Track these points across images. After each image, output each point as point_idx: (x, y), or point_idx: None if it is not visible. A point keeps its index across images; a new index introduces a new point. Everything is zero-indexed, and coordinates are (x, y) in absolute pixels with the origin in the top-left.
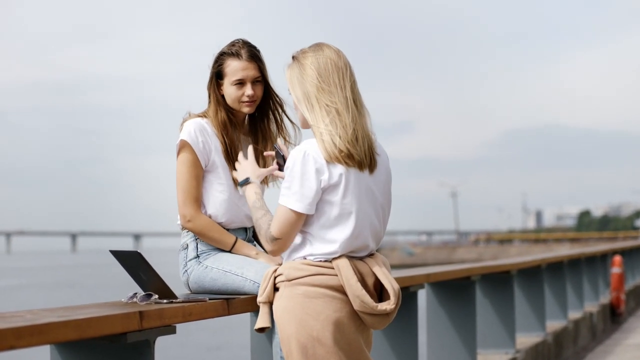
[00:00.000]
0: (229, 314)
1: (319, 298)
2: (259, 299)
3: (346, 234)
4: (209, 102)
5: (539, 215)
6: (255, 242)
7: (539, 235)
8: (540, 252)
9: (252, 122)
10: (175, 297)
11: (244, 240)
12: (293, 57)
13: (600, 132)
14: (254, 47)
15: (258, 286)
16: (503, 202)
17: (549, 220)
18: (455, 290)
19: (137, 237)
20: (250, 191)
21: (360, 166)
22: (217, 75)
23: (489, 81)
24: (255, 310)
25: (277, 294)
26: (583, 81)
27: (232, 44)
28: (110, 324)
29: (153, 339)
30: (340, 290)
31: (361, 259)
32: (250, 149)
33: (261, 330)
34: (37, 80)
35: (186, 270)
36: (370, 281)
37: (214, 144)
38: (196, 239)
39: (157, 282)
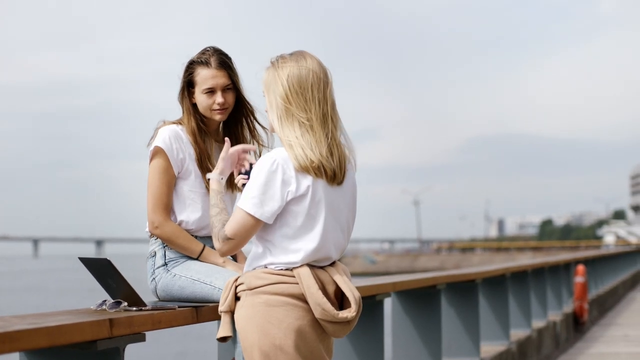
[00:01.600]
0: (198, 321)
1: (280, 306)
2: (220, 309)
3: (309, 246)
4: (182, 110)
5: (501, 224)
6: None
7: (501, 244)
8: (502, 261)
9: (226, 129)
10: (145, 305)
11: (213, 248)
12: (272, 62)
13: (564, 140)
14: (224, 55)
15: None
16: (466, 210)
17: (511, 229)
18: (421, 299)
19: (99, 242)
20: (211, 187)
21: (329, 179)
22: (188, 84)
23: (453, 89)
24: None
25: (239, 303)
26: (547, 89)
27: (202, 52)
28: (81, 332)
29: (123, 346)
30: (302, 298)
31: (322, 267)
32: (226, 144)
33: (223, 339)
34: (5, 84)
35: (154, 278)
36: (331, 289)
37: (188, 152)
38: (164, 247)
39: (126, 289)
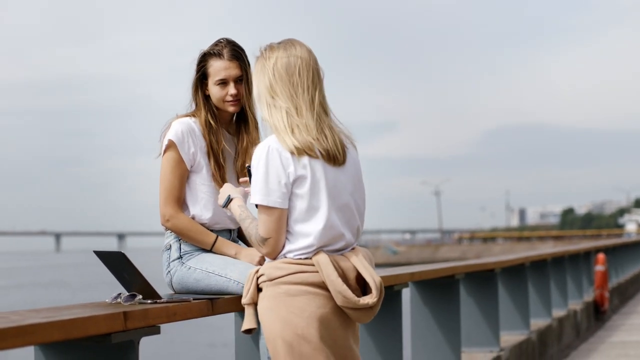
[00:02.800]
0: (213, 314)
1: (301, 295)
2: (243, 301)
3: (319, 226)
4: (194, 102)
5: (522, 214)
6: (240, 242)
7: (523, 234)
8: (523, 250)
9: (237, 122)
10: (160, 298)
11: (229, 240)
12: (260, 52)
13: (583, 129)
14: (237, 46)
15: (242, 286)
16: (486, 201)
17: (532, 219)
18: (439, 289)
19: (121, 236)
20: (234, 205)
21: (327, 159)
22: (202, 76)
23: (473, 80)
24: (239, 310)
25: (260, 295)
26: (566, 80)
27: (215, 44)
28: (95, 325)
29: (137, 339)
30: (323, 286)
31: (341, 253)
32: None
33: (248, 331)
34: (20, 81)
35: (169, 271)
36: (351, 276)
37: (200, 145)
38: (179, 240)
39: (141, 282)
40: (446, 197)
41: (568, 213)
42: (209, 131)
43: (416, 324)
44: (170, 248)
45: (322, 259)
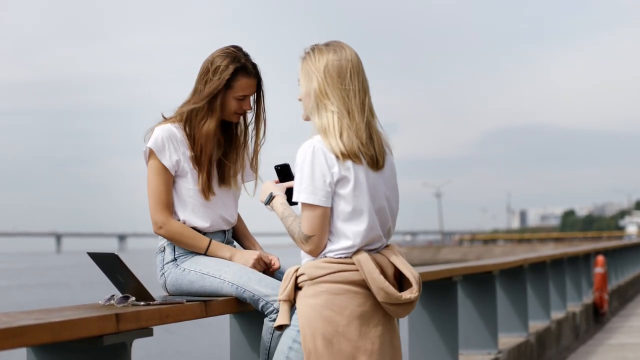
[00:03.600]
0: (207, 315)
1: (342, 294)
2: (279, 297)
3: (362, 227)
4: (203, 108)
5: (523, 215)
6: (235, 243)
7: (523, 235)
8: (524, 252)
9: (225, 130)
10: (153, 299)
11: (223, 242)
12: (308, 52)
13: (585, 132)
14: (255, 63)
15: (236, 288)
16: (487, 202)
17: (533, 220)
18: (437, 291)
19: (121, 237)
20: (277, 203)
21: (370, 165)
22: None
23: (473, 81)
24: (233, 311)
25: (301, 293)
26: (567, 81)
27: (236, 56)
28: (87, 327)
29: (130, 341)
30: (362, 284)
31: (378, 251)
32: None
33: (280, 327)
34: (21, 81)
35: (163, 273)
36: (390, 272)
37: (183, 151)
38: None
39: (134, 284)
40: (447, 199)
41: (569, 215)
42: (208, 140)
43: (414, 326)
44: (164, 250)
45: (363, 258)
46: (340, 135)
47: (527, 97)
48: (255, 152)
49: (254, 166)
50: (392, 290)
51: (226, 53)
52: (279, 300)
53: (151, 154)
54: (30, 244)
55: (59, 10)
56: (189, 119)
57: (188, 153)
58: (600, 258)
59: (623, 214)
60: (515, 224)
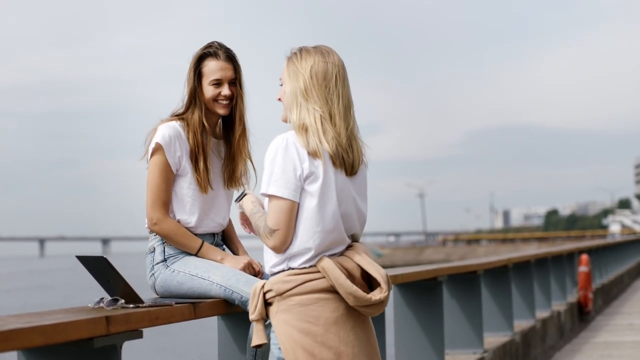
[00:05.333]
0: (196, 317)
1: (313, 304)
2: (251, 317)
3: (325, 227)
4: (187, 102)
5: (506, 215)
6: (224, 247)
7: (507, 235)
8: (507, 252)
9: (225, 128)
10: (142, 302)
11: (212, 244)
12: (294, 53)
13: (568, 131)
14: (230, 49)
15: (225, 290)
16: (471, 202)
17: (516, 220)
18: (423, 291)
19: (105, 241)
20: (247, 201)
21: (342, 168)
22: (197, 76)
23: (457, 80)
24: (221, 313)
25: (272, 309)
26: (550, 80)
27: (209, 46)
28: (77, 330)
29: (120, 343)
30: (332, 290)
31: (342, 254)
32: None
33: (258, 346)
34: (5, 84)
35: (153, 274)
36: (357, 274)
37: (186, 149)
38: (163, 243)
39: (123, 286)
40: (430, 199)
41: (552, 214)
42: (202, 132)
43: (399, 326)
44: (154, 251)
45: (327, 265)
46: (319, 135)
47: (511, 96)
48: (240, 139)
49: (242, 155)
50: (360, 293)
51: (201, 47)
52: (252, 321)
53: (158, 150)
54: (13, 249)
55: (45, 11)
56: (184, 117)
57: (190, 152)
58: (585, 257)
59: (606, 212)
60: (499, 223)
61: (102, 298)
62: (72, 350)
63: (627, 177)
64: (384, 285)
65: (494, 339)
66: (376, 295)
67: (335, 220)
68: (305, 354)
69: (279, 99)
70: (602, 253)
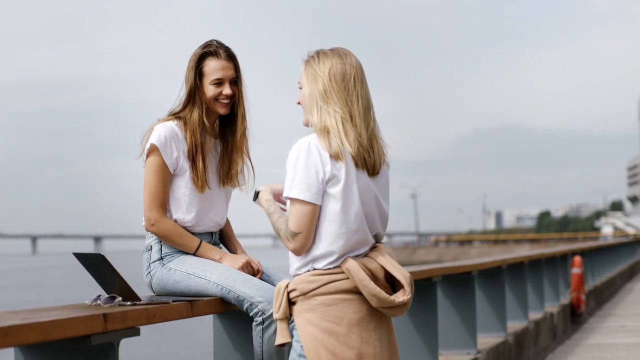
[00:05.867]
0: (193, 315)
1: (337, 304)
2: (275, 316)
3: (348, 229)
4: (185, 101)
5: (498, 216)
6: (221, 245)
7: (499, 237)
8: (500, 253)
9: (222, 126)
10: (139, 299)
11: (210, 243)
12: (312, 56)
13: (561, 133)
14: (230, 48)
15: (221, 288)
16: (463, 203)
17: (508, 221)
18: (417, 291)
19: (97, 239)
20: (262, 199)
21: (365, 169)
22: (198, 76)
23: (450, 82)
24: (218, 312)
25: (296, 308)
26: (543, 82)
27: (208, 44)
28: (74, 327)
29: (117, 341)
30: (355, 291)
31: (366, 255)
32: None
33: (282, 345)
34: None
35: (149, 272)
36: (380, 275)
37: (183, 149)
38: (160, 241)
39: (120, 284)
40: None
41: (544, 216)
42: (201, 131)
43: (394, 326)
44: (151, 249)
45: (352, 266)
46: (341, 137)
47: (504, 98)
48: (241, 138)
49: (242, 154)
50: (384, 295)
51: (200, 46)
52: (276, 319)
53: (154, 150)
54: (5, 246)
55: (37, 10)
56: (181, 117)
57: (187, 150)
58: (577, 259)
59: (599, 215)
60: (491, 225)
61: (100, 295)
62: (70, 347)
63: (620, 180)
64: (407, 287)
65: (487, 339)
66: (399, 297)
67: (359, 221)
68: (328, 353)
69: (298, 103)
70: (595, 255)
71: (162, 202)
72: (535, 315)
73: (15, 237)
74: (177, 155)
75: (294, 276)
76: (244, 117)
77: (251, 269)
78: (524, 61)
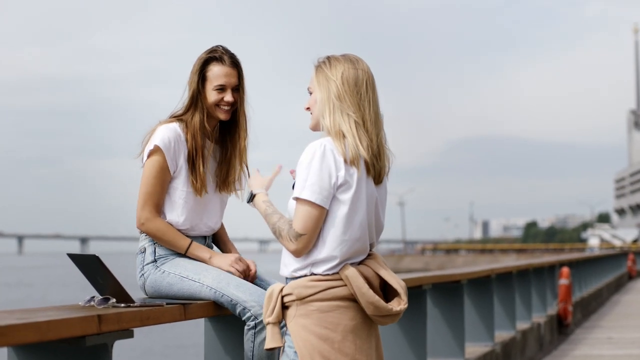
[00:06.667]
0: (186, 318)
1: (333, 311)
2: (268, 320)
3: (352, 236)
4: (188, 105)
5: (485, 226)
6: (214, 247)
7: (485, 246)
8: (486, 263)
9: (222, 132)
10: (133, 301)
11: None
12: (323, 61)
13: (549, 143)
14: (234, 55)
15: (215, 292)
16: (450, 211)
17: (495, 231)
18: (407, 299)
19: (83, 240)
20: (259, 201)
21: (373, 177)
22: (201, 80)
23: (438, 91)
24: (211, 315)
25: (289, 313)
26: (531, 92)
27: (214, 50)
28: (70, 327)
29: (111, 342)
30: (351, 298)
31: (362, 262)
32: (278, 168)
33: (272, 349)
34: None
35: (143, 274)
36: (376, 283)
37: (184, 152)
38: (154, 244)
39: (114, 286)
40: (410, 207)
41: (531, 226)
42: (202, 135)
43: (383, 334)
44: (144, 251)
45: (351, 273)
46: (357, 142)
47: (492, 107)
48: (240, 147)
49: (241, 161)
50: (382, 304)
51: (205, 51)
52: (267, 323)
53: (157, 151)
54: None
55: (24, 9)
56: (183, 119)
57: (187, 153)
58: (565, 270)
59: (585, 226)
60: (478, 234)
61: (93, 296)
62: (64, 348)
63: (607, 192)
64: (403, 296)
65: (475, 348)
66: (396, 306)
67: (362, 229)
68: None
69: (307, 108)
70: (582, 266)
71: (157, 203)
72: (522, 325)
73: (2, 237)
74: (179, 158)
75: (289, 278)
76: (245, 125)
77: (241, 265)
78: (513, 70)
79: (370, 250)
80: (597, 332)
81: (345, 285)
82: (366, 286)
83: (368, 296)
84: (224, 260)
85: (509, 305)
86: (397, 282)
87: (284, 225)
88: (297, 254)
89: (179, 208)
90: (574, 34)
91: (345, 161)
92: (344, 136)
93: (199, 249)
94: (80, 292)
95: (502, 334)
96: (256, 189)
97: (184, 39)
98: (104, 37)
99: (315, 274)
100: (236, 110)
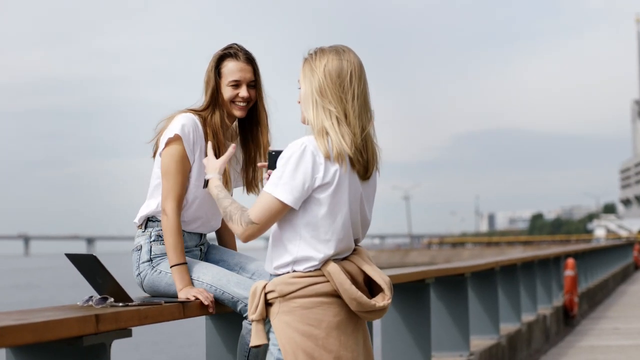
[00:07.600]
0: (185, 317)
1: (316, 307)
2: (252, 317)
3: (334, 236)
4: (207, 102)
5: (491, 219)
6: (211, 244)
7: (492, 239)
8: (492, 255)
9: (241, 129)
10: (131, 301)
11: (196, 245)
12: (310, 54)
13: (554, 135)
14: (250, 52)
15: (215, 290)
16: (456, 205)
17: (501, 224)
18: (410, 293)
19: (90, 240)
20: (211, 186)
21: (358, 172)
22: (217, 77)
23: (443, 84)
24: (210, 313)
25: (273, 310)
26: (536, 85)
27: (229, 47)
28: (67, 327)
29: (109, 342)
30: (334, 294)
31: (346, 258)
32: (209, 145)
33: (257, 346)
34: None
35: (139, 273)
36: (360, 279)
37: (201, 143)
38: (150, 242)
39: (112, 285)
40: (416, 201)
41: (537, 218)
42: (218, 133)
43: (387, 328)
44: (140, 249)
45: (333, 269)
46: (336, 137)
47: (497, 100)
48: (263, 144)
49: (261, 158)
50: (365, 300)
51: (221, 48)
52: (252, 321)
53: (177, 140)
54: None
55: (29, 11)
56: (202, 115)
57: (204, 146)
58: (571, 261)
59: (591, 217)
60: (484, 227)
61: (91, 296)
62: (62, 348)
63: (613, 182)
64: (387, 292)
65: (480, 341)
66: (379, 301)
67: (346, 229)
68: (306, 357)
69: (299, 102)
70: (588, 257)
71: (180, 194)
72: (528, 317)
73: (8, 238)
74: (196, 149)
75: (272, 275)
76: (267, 121)
77: (199, 301)
78: (517, 63)
79: (355, 245)
80: (603, 322)
81: (328, 281)
82: (348, 282)
83: (351, 292)
84: (185, 293)
85: (514, 298)
86: (380, 277)
87: (235, 210)
88: (243, 239)
89: (189, 200)
90: (577, 25)
91: (328, 158)
92: (327, 133)
93: (180, 275)
94: (88, 292)
95: (508, 327)
96: (209, 173)
97: (186, 39)
98: (108, 38)
99: (296, 271)
100: (256, 107)
